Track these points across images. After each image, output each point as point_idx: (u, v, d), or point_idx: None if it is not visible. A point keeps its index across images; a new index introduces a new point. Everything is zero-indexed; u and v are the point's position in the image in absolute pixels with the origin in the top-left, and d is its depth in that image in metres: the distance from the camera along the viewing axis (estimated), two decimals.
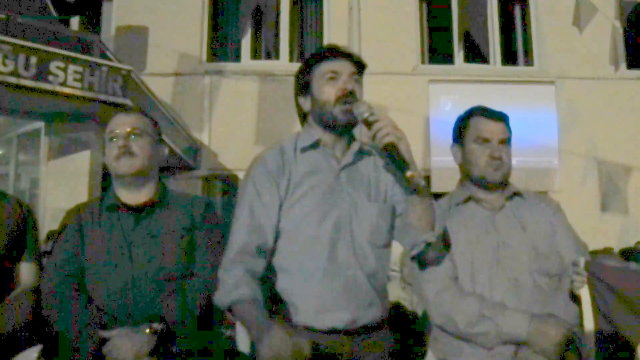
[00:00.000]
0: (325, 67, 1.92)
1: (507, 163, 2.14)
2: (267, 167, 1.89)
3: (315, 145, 1.94)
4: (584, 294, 1.93)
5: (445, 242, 2.02)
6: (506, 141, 2.15)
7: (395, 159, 1.78)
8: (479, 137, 2.14)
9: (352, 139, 1.99)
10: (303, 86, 1.98)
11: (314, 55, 2.00)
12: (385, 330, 1.96)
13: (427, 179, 1.97)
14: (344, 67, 1.91)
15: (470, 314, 1.97)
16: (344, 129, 1.93)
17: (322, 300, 1.81)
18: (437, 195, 2.06)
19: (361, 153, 1.98)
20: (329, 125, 1.92)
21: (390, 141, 1.77)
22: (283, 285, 1.86)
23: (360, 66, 1.96)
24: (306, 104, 1.98)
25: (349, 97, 1.86)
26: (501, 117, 2.18)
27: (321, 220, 1.85)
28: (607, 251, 5.50)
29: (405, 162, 1.76)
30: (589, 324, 1.91)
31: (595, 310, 1.92)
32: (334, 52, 1.94)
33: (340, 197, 1.89)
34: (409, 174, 1.75)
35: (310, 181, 1.89)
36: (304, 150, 1.94)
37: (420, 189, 1.82)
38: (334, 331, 1.81)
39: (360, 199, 1.91)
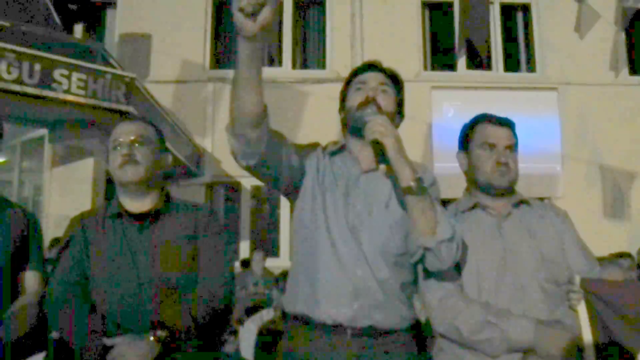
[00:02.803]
0: (356, 79, 2.06)
1: (513, 169, 2.13)
2: (313, 146, 2.08)
3: (340, 150, 2.06)
4: (581, 311, 1.93)
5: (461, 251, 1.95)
6: (512, 147, 2.15)
7: (381, 155, 1.82)
8: (484, 143, 2.14)
9: None
10: (342, 101, 2.11)
11: (351, 71, 2.13)
12: (402, 341, 1.94)
13: None
14: (371, 77, 2.04)
15: (474, 320, 1.94)
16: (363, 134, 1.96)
17: (326, 292, 1.88)
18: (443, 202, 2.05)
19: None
20: (353, 131, 2.02)
21: (374, 138, 1.81)
22: (298, 274, 1.97)
23: (394, 79, 2.08)
24: (341, 116, 2.11)
25: (369, 103, 1.93)
26: (507, 123, 2.18)
27: (334, 221, 1.92)
28: (616, 257, 5.43)
29: (387, 159, 1.81)
30: (587, 334, 1.91)
31: (593, 326, 1.91)
32: (366, 66, 2.08)
33: (355, 201, 1.95)
34: (381, 167, 1.82)
35: (330, 183, 1.98)
36: (332, 154, 2.05)
37: (409, 189, 1.80)
38: (337, 326, 1.86)
39: (377, 205, 1.95)
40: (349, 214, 1.93)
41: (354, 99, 2.01)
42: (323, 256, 1.91)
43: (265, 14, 1.53)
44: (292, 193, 2.03)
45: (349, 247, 1.90)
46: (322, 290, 1.89)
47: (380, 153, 1.82)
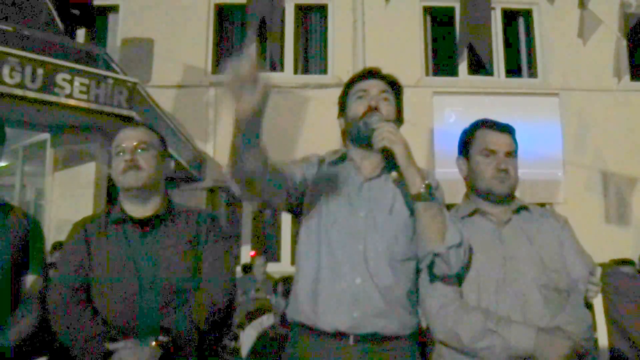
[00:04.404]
0: (356, 87, 2.05)
1: (513, 176, 2.12)
2: (307, 158, 2.07)
3: (341, 159, 2.05)
4: (598, 303, 1.93)
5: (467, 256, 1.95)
6: (512, 153, 2.14)
7: (390, 162, 1.84)
8: (485, 149, 2.13)
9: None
10: (341, 108, 2.11)
11: (350, 78, 2.12)
12: (406, 347, 1.94)
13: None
14: (372, 85, 2.03)
15: (475, 328, 1.92)
16: (369, 143, 1.92)
17: (325, 301, 1.88)
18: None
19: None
20: (356, 140, 2.01)
21: (384, 145, 1.82)
22: (299, 283, 1.97)
23: (394, 85, 2.08)
24: (341, 123, 2.10)
25: (372, 112, 1.94)
26: (507, 129, 2.17)
27: (335, 229, 1.92)
28: (615, 263, 5.40)
29: (397, 165, 1.81)
30: (603, 338, 1.91)
31: (608, 319, 1.92)
32: (366, 73, 2.07)
33: (358, 209, 1.95)
34: (392, 174, 1.82)
35: (332, 191, 1.97)
36: (332, 163, 2.05)
37: (419, 195, 1.82)
38: (338, 334, 1.86)
39: (380, 212, 1.95)
40: (352, 222, 1.93)
41: (357, 108, 2.00)
42: (322, 265, 1.91)
43: (257, 97, 1.51)
44: (295, 209, 2.02)
45: (349, 256, 1.90)
46: (321, 299, 1.89)
47: (389, 160, 1.83)
